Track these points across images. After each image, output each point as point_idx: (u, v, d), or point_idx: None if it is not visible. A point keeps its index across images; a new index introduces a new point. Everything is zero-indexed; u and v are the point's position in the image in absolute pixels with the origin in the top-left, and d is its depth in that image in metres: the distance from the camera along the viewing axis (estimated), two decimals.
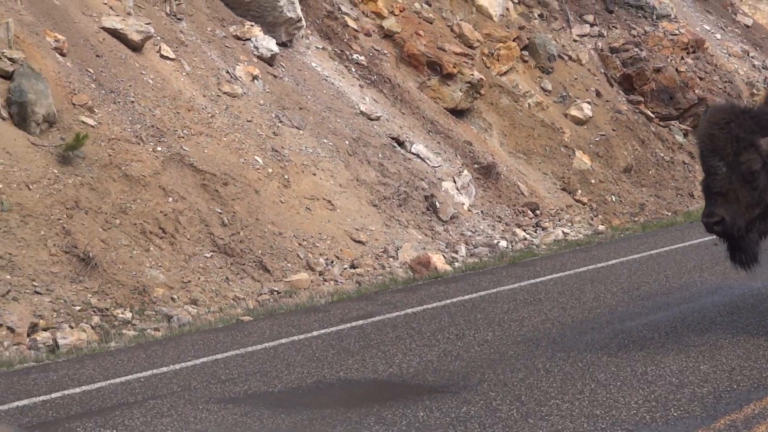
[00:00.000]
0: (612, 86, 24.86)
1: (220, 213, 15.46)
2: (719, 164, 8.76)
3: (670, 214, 22.16)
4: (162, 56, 17.61)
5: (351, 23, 21.64)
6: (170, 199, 15.10)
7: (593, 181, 22.15)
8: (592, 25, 25.49)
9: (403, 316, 12.23)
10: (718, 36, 28.00)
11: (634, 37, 25.50)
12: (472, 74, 21.42)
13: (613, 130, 23.79)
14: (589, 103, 23.76)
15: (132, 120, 15.92)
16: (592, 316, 11.12)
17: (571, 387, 8.10)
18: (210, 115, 17.03)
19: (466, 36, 22.70)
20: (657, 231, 19.20)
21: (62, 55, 16.12)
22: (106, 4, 17.78)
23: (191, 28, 18.70)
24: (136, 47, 17.29)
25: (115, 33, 17.22)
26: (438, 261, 15.64)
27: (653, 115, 24.94)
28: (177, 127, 16.35)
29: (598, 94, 24.34)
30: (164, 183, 15.22)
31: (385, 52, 21.62)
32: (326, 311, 13.13)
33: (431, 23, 22.62)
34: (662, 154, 24.33)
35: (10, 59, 15.00)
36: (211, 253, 14.87)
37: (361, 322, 12.07)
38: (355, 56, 20.99)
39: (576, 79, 24.32)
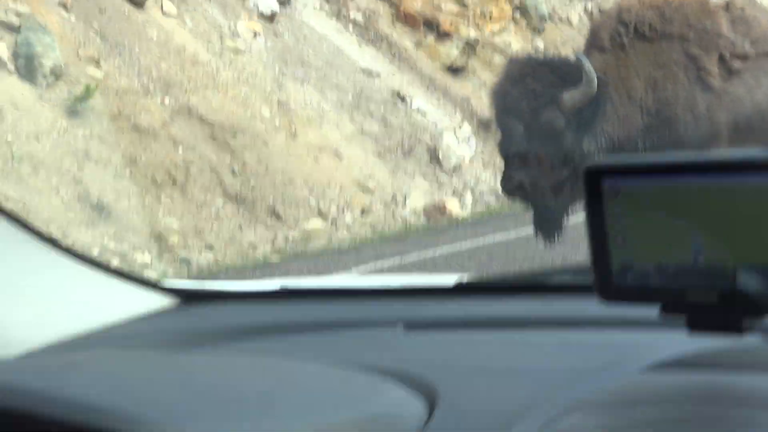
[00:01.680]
0: None
1: (230, 163, 15.11)
2: (516, 123, 7.73)
3: None
4: (164, 13, 17.23)
5: None
6: (180, 149, 14.75)
7: None
8: None
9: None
10: None
11: None
12: (469, 33, 21.12)
13: None
14: None
15: (138, 73, 15.57)
16: None
17: None
18: (215, 69, 16.69)
19: None
20: None
21: (66, 9, 15.72)
22: None
23: None
24: (138, 3, 16.91)
25: None
26: (453, 207, 15.44)
27: None
28: (183, 80, 16.02)
29: None
30: (174, 134, 14.87)
31: (381, 11, 21.27)
32: (358, 252, 12.89)
33: None
34: None
35: (16, 13, 14.59)
36: (223, 201, 14.53)
37: (397, 258, 11.85)
38: (352, 15, 20.63)
39: (566, 41, 24.04)
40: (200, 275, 12.30)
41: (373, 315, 2.43)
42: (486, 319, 2.32)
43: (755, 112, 8.46)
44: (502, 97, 8.03)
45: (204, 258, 13.34)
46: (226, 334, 2.26)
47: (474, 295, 2.57)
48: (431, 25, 21.20)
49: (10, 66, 14.17)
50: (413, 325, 2.24)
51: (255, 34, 18.18)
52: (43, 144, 13.56)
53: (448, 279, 2.61)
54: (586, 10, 25.10)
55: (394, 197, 16.28)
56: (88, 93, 14.23)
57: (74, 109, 14.17)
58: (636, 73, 8.08)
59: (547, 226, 8.33)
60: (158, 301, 2.49)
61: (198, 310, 2.53)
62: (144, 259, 12.86)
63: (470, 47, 21.11)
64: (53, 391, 1.58)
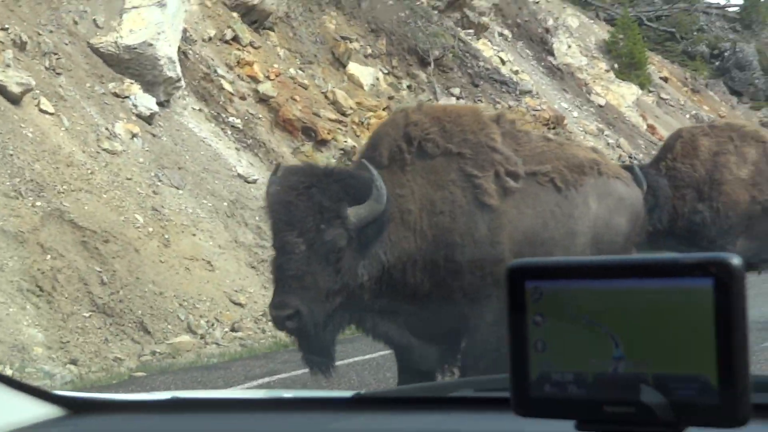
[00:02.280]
0: None
1: (100, 272, 14.75)
2: (298, 240, 6.69)
3: None
4: (41, 110, 16.88)
5: (227, 86, 21.24)
6: (49, 256, 14.34)
7: None
8: (458, 98, 25.53)
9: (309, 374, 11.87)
10: (575, 114, 28.44)
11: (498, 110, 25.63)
12: (346, 141, 21.22)
13: None
14: None
15: (11, 174, 15.14)
16: None
17: None
18: (89, 171, 16.36)
19: (340, 103, 22.61)
20: None
21: None
22: None
23: (70, 83, 18.02)
24: (15, 99, 16.50)
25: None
26: None
27: None
28: (57, 182, 15.62)
29: None
30: (43, 239, 14.46)
31: (260, 116, 21.29)
32: (226, 368, 12.67)
33: (306, 89, 22.48)
34: None
35: None
36: (90, 313, 14.15)
37: (267, 379, 11.62)
38: (231, 119, 20.61)
39: None
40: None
41: (268, 429, 2.39)
42: None
43: (529, 236, 7.91)
44: (281, 209, 7.00)
45: (68, 371, 12.94)
46: None
47: (373, 408, 2.51)
48: (310, 132, 21.24)
49: None
50: None
51: (133, 135, 17.92)
52: None
53: (345, 393, 2.59)
54: None
55: (265, 312, 16.09)
56: None
57: None
58: (412, 193, 7.38)
59: (316, 360, 7.37)
60: (47, 411, 2.40)
61: (87, 421, 2.45)
62: (5, 373, 12.39)
63: (348, 155, 21.19)
64: None
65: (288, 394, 2.79)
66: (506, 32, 29.75)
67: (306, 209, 6.81)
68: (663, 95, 32.21)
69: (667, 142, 11.80)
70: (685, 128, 12.73)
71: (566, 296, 1.53)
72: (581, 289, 1.53)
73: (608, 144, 28.28)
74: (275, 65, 22.53)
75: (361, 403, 2.55)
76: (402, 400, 2.63)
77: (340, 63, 24.03)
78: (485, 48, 28.07)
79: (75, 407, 2.48)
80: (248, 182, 19.22)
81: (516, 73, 27.81)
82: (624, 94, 29.98)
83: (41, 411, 2.39)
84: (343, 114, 22.42)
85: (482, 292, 7.40)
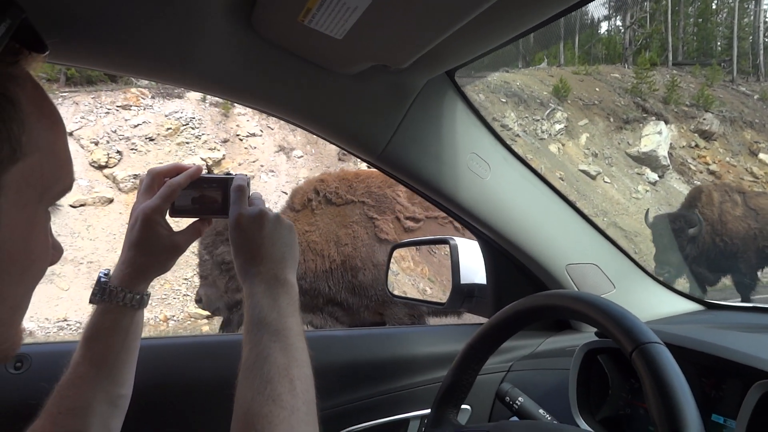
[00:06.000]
0: None
1: None
2: (204, 252, 6.42)
3: None
4: (604, 182, 22.34)
5: (692, 167, 25.57)
6: None
7: None
8: None
9: None
10: None
11: None
12: (755, 189, 22.18)
13: None
14: None
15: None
16: None
17: None
18: (625, 208, 20.96)
19: (754, 172, 25.43)
20: None
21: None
22: (579, 154, 23.73)
23: (617, 168, 23.77)
24: (593, 177, 22.27)
25: (585, 172, 22.29)
26: None
27: None
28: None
29: None
30: None
31: (707, 178, 24.56)
32: None
33: (735, 167, 25.80)
34: None
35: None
36: None
37: None
38: (695, 182, 23.31)
39: None
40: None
41: None
42: None
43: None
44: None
45: None
46: (740, 326, 2.03)
47: (741, 310, 2.22)
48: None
49: None
50: None
51: (646, 191, 22.82)
52: None
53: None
54: None
55: None
56: None
57: None
58: (318, 229, 6.78)
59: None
60: (692, 306, 2.40)
61: (716, 313, 2.34)
62: None
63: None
64: (702, 339, 1.60)
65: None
66: None
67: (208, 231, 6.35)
68: None
69: (694, 194, 11.54)
70: (703, 186, 12.42)
71: None
72: None
73: None
74: (717, 157, 26.50)
75: (722, 307, 2.32)
76: (751, 308, 2.27)
77: (754, 154, 27.44)
78: None
79: (708, 306, 2.41)
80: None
81: None
82: None
83: (688, 306, 2.41)
84: (755, 177, 25.35)
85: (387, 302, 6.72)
